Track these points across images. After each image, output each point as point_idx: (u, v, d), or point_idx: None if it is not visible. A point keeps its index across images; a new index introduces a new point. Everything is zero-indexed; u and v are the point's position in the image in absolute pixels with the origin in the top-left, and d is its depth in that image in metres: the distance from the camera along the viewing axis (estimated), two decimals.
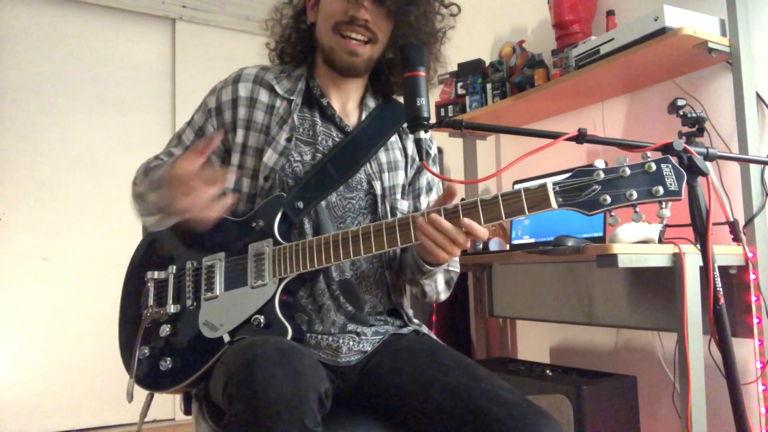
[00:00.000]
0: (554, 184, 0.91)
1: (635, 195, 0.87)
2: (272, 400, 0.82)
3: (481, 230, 0.97)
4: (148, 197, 1.11)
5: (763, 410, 1.64)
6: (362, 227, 1.04)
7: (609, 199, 0.88)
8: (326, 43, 1.20)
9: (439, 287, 1.24)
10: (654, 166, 0.87)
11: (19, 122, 3.15)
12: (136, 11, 3.45)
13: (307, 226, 1.15)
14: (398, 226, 1.01)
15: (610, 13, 2.13)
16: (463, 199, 2.81)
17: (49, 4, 3.28)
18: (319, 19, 1.22)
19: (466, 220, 0.96)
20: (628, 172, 0.88)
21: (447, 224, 0.97)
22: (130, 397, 1.11)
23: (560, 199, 0.90)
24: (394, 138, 1.28)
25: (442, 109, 2.63)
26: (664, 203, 0.87)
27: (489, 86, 2.42)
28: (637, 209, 0.88)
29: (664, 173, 0.87)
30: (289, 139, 1.17)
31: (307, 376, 0.87)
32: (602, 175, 0.89)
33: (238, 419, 0.84)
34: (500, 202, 0.94)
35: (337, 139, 1.22)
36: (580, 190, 0.90)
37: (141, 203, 1.15)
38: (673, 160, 0.89)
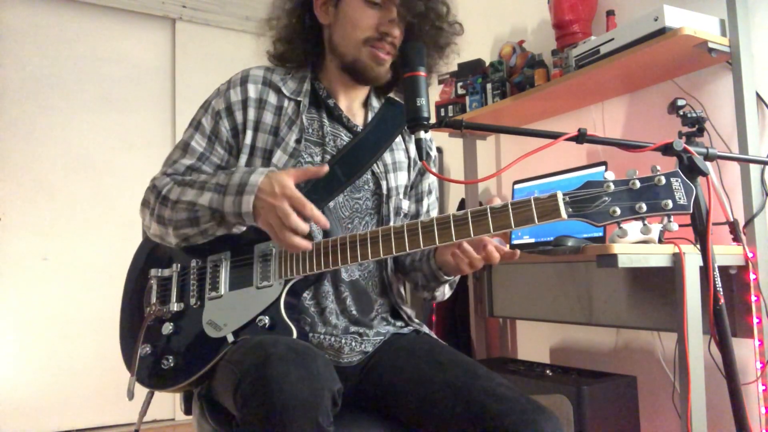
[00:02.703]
0: (564, 194, 0.91)
1: (645, 208, 0.87)
2: (288, 400, 0.81)
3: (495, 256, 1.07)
4: (197, 200, 1.07)
5: (763, 410, 1.64)
6: (371, 231, 1.04)
7: (618, 211, 0.88)
8: (350, 54, 1.19)
9: (446, 291, 1.29)
10: (664, 180, 0.88)
11: (19, 122, 3.15)
12: (136, 11, 3.45)
13: (314, 227, 1.14)
14: (406, 231, 1.01)
15: (610, 13, 2.13)
16: (462, 199, 2.83)
17: (49, 4, 3.28)
18: (341, 27, 1.20)
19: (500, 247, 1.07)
20: (638, 184, 0.88)
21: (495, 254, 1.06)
22: (131, 395, 1.10)
23: (570, 210, 0.90)
24: (398, 139, 1.29)
25: (442, 109, 2.63)
26: (671, 216, 0.88)
27: (489, 86, 2.43)
28: (646, 222, 0.89)
29: (674, 187, 0.87)
30: (298, 141, 1.17)
31: (322, 376, 0.86)
32: (612, 187, 0.89)
33: (253, 418, 0.83)
34: (510, 211, 0.94)
35: (345, 139, 1.22)
36: (589, 201, 0.90)
37: (175, 213, 1.10)
38: (682, 175, 0.89)
